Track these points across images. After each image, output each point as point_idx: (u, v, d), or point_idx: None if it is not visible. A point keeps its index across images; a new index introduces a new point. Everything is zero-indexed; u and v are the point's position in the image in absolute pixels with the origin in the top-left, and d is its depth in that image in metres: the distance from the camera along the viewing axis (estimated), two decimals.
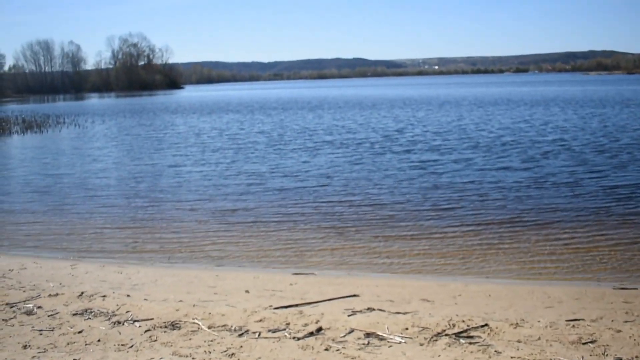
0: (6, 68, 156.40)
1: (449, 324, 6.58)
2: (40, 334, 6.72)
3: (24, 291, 8.43)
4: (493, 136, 27.10)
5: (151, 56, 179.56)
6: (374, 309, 7.32)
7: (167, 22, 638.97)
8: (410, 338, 6.22)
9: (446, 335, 6.26)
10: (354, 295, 8.02)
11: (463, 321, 6.68)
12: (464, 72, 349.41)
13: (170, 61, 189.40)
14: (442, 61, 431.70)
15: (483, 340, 6.10)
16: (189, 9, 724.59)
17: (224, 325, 6.77)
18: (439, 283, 8.82)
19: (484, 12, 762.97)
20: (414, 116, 41.41)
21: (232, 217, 13.32)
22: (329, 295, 8.03)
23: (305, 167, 19.61)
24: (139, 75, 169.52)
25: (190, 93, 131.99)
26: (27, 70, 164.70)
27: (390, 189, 15.70)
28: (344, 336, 6.36)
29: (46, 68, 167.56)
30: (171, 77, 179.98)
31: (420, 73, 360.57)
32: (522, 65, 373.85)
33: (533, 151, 21.59)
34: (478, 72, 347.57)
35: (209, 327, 6.71)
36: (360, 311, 7.25)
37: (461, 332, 6.35)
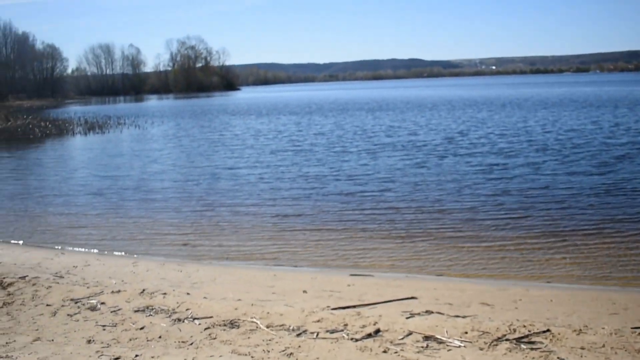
0: (69, 71, 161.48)
1: (510, 329, 6.45)
2: (104, 330, 6.88)
3: (87, 287, 8.65)
4: (562, 138, 26.04)
5: (208, 58, 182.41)
6: (432, 312, 7.23)
7: (224, 25, 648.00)
8: (470, 342, 6.12)
9: (507, 340, 6.13)
10: (412, 298, 7.94)
11: (524, 326, 6.53)
12: (522, 72, 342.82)
13: (227, 63, 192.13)
14: (499, 61, 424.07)
15: (545, 346, 5.95)
16: (245, 11, 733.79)
17: (282, 325, 6.80)
18: (499, 287, 8.65)
19: (542, 11, 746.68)
20: (475, 117, 40.34)
21: (289, 218, 13.35)
22: (387, 297, 7.97)
23: (365, 169, 19.30)
24: (197, 77, 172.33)
25: (246, 94, 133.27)
26: (89, 73, 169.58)
27: (452, 193, 15.36)
28: (402, 339, 6.30)
29: (107, 70, 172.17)
30: (228, 79, 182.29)
31: (477, 73, 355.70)
32: (582, 64, 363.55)
33: (606, 155, 20.66)
34: (537, 72, 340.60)
35: (268, 327, 6.75)
36: (419, 314, 7.17)
37: (522, 337, 6.20)
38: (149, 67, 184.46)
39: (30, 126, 45.31)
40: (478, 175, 17.60)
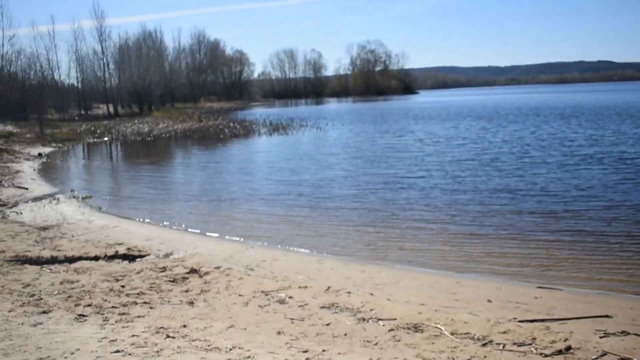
0: (255, 75, 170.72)
1: None
2: (292, 323, 7.18)
3: (276, 281, 9.06)
4: None
5: (387, 62, 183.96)
6: (629, 333, 6.73)
7: (403, 28, 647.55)
8: None
9: None
10: (606, 316, 7.45)
11: None
12: None
13: (406, 67, 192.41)
14: None
15: None
16: (424, 14, 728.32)
17: (467, 333, 6.69)
18: None
19: None
20: None
21: (472, 226, 13.02)
22: (578, 313, 7.55)
23: (561, 184, 17.44)
24: (376, 81, 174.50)
25: (424, 98, 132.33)
26: (273, 77, 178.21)
27: None
28: (596, 359, 5.95)
29: (290, 74, 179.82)
30: (406, 83, 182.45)
31: None
32: None
33: None
34: None
35: (452, 333, 6.67)
36: (614, 334, 6.71)
37: None
38: (329, 71, 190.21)
39: (221, 127, 48.40)
40: None
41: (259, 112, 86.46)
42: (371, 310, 7.58)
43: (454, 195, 16.39)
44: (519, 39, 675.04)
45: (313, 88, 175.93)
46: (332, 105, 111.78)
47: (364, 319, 7.24)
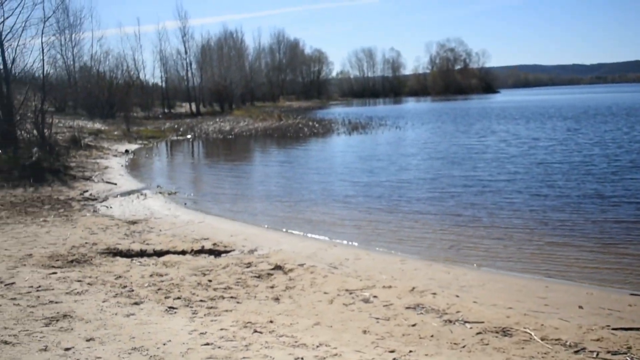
0: (334, 74, 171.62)
1: None
2: (377, 322, 7.17)
3: (360, 280, 9.07)
4: None
5: (467, 60, 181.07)
6: None
7: (483, 26, 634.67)
8: None
9: None
10: None
11: None
12: None
13: (487, 65, 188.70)
14: None
15: None
16: (506, 10, 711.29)
17: (558, 340, 6.51)
18: None
19: None
20: None
21: (560, 230, 12.59)
22: None
23: None
24: (455, 80, 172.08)
25: (506, 97, 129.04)
26: (351, 76, 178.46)
27: None
28: None
29: (369, 73, 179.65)
30: (487, 81, 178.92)
31: None
32: None
33: None
34: None
35: (542, 339, 6.51)
36: None
37: None
38: (408, 69, 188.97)
39: (300, 125, 48.85)
40: None
41: (337, 111, 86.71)
42: (457, 312, 7.48)
43: (540, 199, 15.84)
44: (606, 36, 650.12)
45: (391, 87, 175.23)
46: (411, 104, 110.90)
47: (450, 321, 7.15)
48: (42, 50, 27.35)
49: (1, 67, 25.18)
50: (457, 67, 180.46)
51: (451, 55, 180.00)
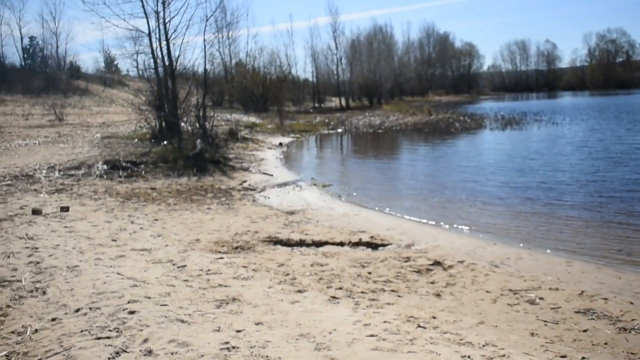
0: (485, 68, 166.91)
1: None
2: (545, 325, 6.93)
3: (524, 280, 8.79)
4: None
5: (630, 52, 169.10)
6: None
7: None
8: None
9: None
10: None
11: None
12: None
13: None
14: None
15: None
16: None
17: None
18: None
19: None
20: None
21: None
22: None
23: None
24: (616, 73, 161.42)
25: None
26: (503, 70, 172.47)
27: None
28: None
29: (521, 67, 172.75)
30: None
31: None
32: None
33: None
34: None
35: None
36: None
37: None
38: (564, 62, 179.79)
39: (451, 120, 48.11)
40: None
41: (488, 105, 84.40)
42: (632, 320, 7.05)
43: None
44: None
45: (545, 81, 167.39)
46: (567, 99, 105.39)
47: (625, 329, 6.76)
48: (205, 47, 28.96)
49: (167, 63, 26.94)
50: (619, 59, 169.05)
51: (612, 47, 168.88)
